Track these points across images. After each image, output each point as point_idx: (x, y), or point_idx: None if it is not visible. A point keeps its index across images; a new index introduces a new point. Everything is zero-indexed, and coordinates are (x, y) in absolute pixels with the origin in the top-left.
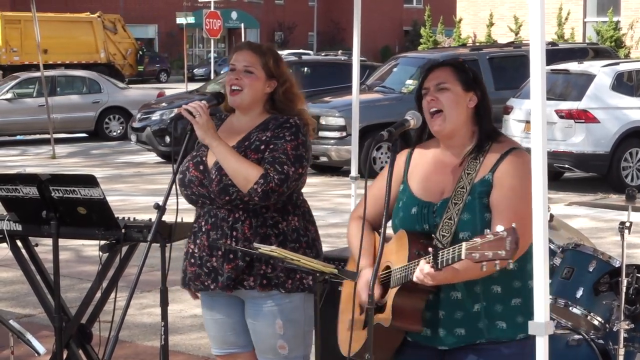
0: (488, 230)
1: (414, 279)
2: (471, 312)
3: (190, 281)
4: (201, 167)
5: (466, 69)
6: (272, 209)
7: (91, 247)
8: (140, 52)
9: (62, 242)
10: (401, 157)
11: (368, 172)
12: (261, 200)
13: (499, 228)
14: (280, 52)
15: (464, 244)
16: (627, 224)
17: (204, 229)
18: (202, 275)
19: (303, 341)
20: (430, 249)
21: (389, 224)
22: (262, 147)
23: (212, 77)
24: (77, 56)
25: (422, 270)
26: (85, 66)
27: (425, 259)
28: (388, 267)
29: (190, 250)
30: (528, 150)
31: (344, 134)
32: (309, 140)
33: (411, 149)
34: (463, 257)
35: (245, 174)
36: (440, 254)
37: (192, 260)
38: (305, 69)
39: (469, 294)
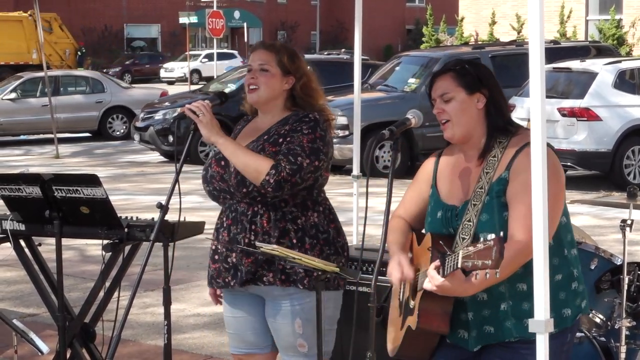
0: (482, 238)
1: (423, 286)
2: (499, 311)
3: (212, 279)
4: (222, 163)
5: (467, 71)
6: (291, 204)
7: (94, 247)
8: (79, 53)
9: (65, 241)
10: (430, 160)
11: (370, 170)
12: (274, 190)
13: (489, 236)
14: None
15: (460, 251)
16: (629, 222)
17: (225, 225)
18: (224, 271)
19: (323, 339)
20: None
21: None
22: (280, 140)
23: (215, 76)
24: (4, 57)
25: (429, 275)
26: (16, 68)
27: (435, 264)
28: (418, 270)
29: (214, 247)
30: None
31: (347, 132)
32: (329, 136)
33: (440, 152)
34: (459, 265)
35: (255, 166)
36: (447, 260)
37: (216, 257)
38: (308, 68)
39: (493, 295)
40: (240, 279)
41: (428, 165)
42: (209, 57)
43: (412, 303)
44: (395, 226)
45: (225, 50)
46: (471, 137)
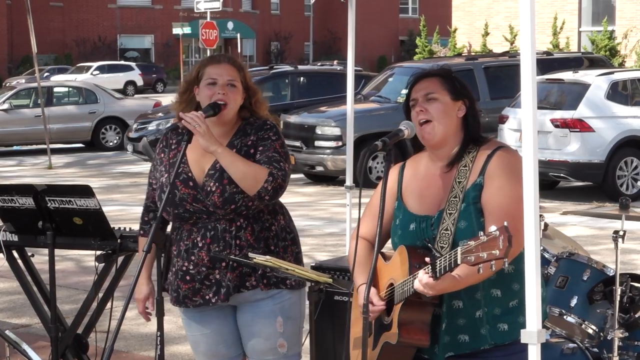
0: (481, 232)
1: (415, 287)
2: (473, 319)
3: (186, 299)
4: (190, 184)
5: (453, 78)
6: (266, 212)
7: (88, 258)
8: None
9: (59, 252)
10: (394, 172)
11: (363, 181)
12: (271, 198)
13: (492, 228)
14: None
15: (459, 248)
16: (621, 233)
17: (200, 244)
18: (203, 289)
19: (299, 338)
20: (428, 260)
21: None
22: (252, 151)
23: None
24: None
25: (421, 281)
26: None
27: (424, 269)
28: (392, 285)
29: (185, 268)
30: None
31: (340, 143)
32: None
33: (403, 163)
34: (459, 261)
35: (254, 174)
36: (438, 262)
37: (188, 278)
38: (302, 78)
39: (470, 302)
40: (226, 294)
41: (391, 179)
42: (101, 69)
43: (387, 319)
44: (359, 252)
45: (121, 62)
46: (446, 143)
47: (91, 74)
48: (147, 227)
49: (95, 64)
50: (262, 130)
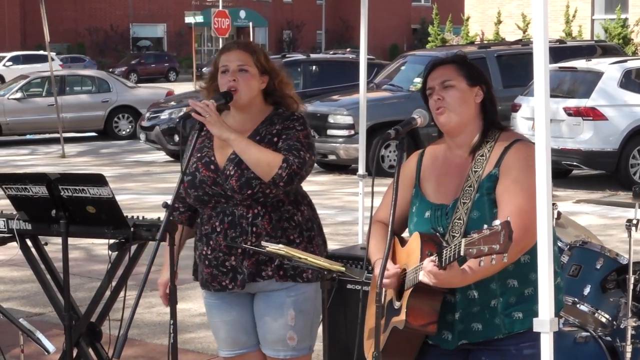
0: (485, 225)
1: (419, 278)
2: (488, 308)
3: (207, 282)
4: (212, 167)
5: (469, 64)
6: (286, 203)
7: (101, 246)
8: None
9: (72, 241)
10: (412, 159)
11: (376, 170)
12: (286, 185)
13: (495, 222)
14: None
15: (463, 240)
16: (634, 221)
17: (218, 229)
18: (219, 275)
19: (311, 332)
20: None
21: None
22: (275, 139)
23: None
24: None
25: (425, 268)
26: None
27: (431, 257)
28: (405, 270)
29: (204, 253)
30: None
31: (352, 132)
32: None
33: (422, 151)
34: (462, 253)
35: (268, 160)
36: (444, 252)
37: (207, 262)
38: (314, 67)
39: (485, 292)
40: (242, 281)
41: (409, 165)
42: (15, 60)
43: (397, 304)
44: (375, 233)
45: (39, 52)
46: (464, 130)
47: (4, 65)
48: (176, 213)
49: (9, 54)
50: (288, 120)
